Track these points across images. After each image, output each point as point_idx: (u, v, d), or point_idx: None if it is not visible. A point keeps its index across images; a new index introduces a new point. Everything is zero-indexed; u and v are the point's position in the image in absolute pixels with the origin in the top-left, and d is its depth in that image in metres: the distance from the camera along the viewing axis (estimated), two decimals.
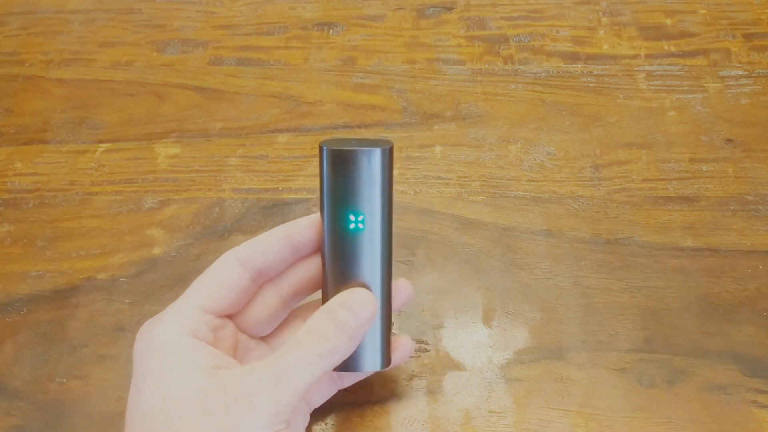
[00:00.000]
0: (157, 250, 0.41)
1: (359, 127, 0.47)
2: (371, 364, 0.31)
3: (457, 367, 0.36)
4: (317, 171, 0.45)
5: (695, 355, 0.36)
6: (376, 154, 0.28)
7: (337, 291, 0.30)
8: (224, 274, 0.30)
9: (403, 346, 0.33)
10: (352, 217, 0.29)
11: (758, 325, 0.37)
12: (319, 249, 0.31)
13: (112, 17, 0.55)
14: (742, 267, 0.39)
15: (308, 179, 0.44)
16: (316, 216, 0.31)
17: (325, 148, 0.29)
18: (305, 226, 0.31)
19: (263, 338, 0.33)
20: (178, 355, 0.28)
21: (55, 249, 0.41)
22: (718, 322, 0.37)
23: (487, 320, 0.38)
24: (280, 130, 0.47)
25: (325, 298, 0.30)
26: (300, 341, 0.28)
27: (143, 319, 0.38)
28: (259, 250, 0.30)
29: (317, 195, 0.30)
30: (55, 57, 0.52)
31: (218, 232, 0.42)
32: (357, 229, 0.29)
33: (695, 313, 0.37)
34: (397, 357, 0.32)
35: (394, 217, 0.30)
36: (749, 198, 0.42)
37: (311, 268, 0.32)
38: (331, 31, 0.53)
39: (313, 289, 0.33)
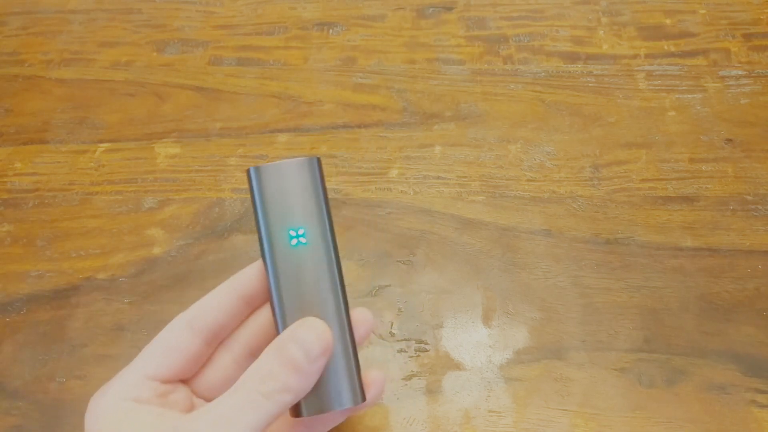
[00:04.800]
0: (156, 250, 0.41)
1: (359, 126, 0.47)
2: (343, 401, 0.27)
3: (457, 366, 0.36)
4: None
5: (695, 355, 0.36)
6: (303, 164, 0.28)
7: (287, 324, 0.27)
8: (170, 340, 0.28)
9: (374, 382, 0.29)
10: (292, 233, 0.27)
11: (758, 325, 0.37)
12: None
13: (112, 17, 0.55)
14: (742, 267, 0.39)
15: None
16: (258, 262, 0.29)
17: (251, 169, 0.28)
18: (253, 276, 0.29)
19: None
20: (119, 420, 0.26)
21: (55, 249, 0.41)
22: (718, 322, 0.37)
23: (486, 320, 0.38)
24: (280, 130, 0.47)
25: (276, 334, 0.28)
26: (244, 381, 0.25)
27: (143, 319, 0.38)
28: (208, 310, 0.28)
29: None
30: (55, 57, 0.52)
31: (218, 232, 0.42)
32: (300, 244, 0.27)
33: (695, 313, 0.38)
34: (369, 395, 0.29)
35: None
36: (749, 198, 0.42)
37: (262, 320, 0.30)
38: (330, 31, 0.53)
39: (268, 343, 0.30)
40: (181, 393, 0.29)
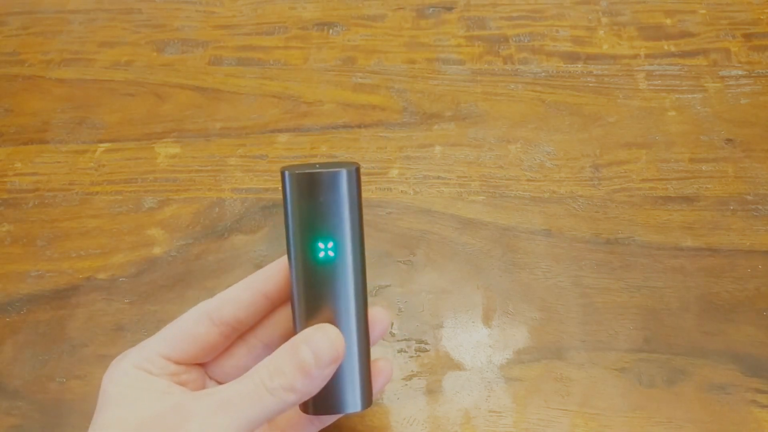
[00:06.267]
0: (157, 250, 0.41)
1: (359, 126, 0.47)
2: (350, 405, 0.29)
3: (457, 366, 0.36)
4: None
5: (695, 355, 0.36)
6: (342, 176, 0.26)
7: (304, 326, 0.28)
8: (188, 327, 0.29)
9: (381, 371, 0.31)
10: (321, 245, 0.27)
11: (758, 325, 0.37)
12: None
13: (112, 17, 0.55)
14: (742, 267, 0.39)
15: None
16: (284, 259, 0.29)
17: (287, 173, 0.27)
18: (276, 274, 0.29)
19: None
20: (128, 384, 0.27)
21: (55, 249, 0.41)
22: (718, 322, 0.37)
23: (486, 320, 0.38)
24: (280, 130, 0.47)
25: (293, 334, 0.28)
26: (253, 372, 0.26)
27: (143, 319, 0.38)
28: (229, 304, 0.29)
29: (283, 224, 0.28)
30: (55, 57, 0.52)
31: (218, 232, 0.42)
32: (327, 258, 0.27)
33: (695, 313, 0.38)
34: (377, 384, 0.30)
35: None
36: (749, 198, 0.42)
37: (281, 317, 0.30)
38: (330, 31, 0.53)
39: (285, 340, 0.31)
40: (194, 374, 0.30)
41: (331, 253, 0.27)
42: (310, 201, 0.27)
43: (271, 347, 0.30)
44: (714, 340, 0.36)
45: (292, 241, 0.27)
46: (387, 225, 0.42)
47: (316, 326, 0.27)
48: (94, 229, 0.42)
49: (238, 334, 0.30)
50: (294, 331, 0.29)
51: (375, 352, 0.37)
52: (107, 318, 0.38)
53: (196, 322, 0.29)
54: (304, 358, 0.26)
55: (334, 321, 0.28)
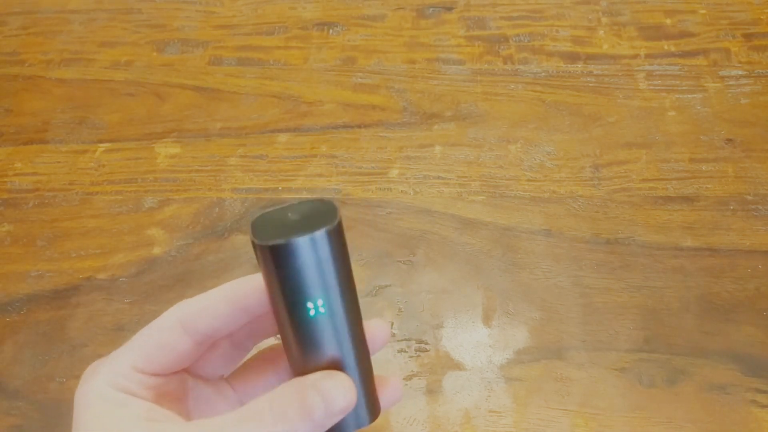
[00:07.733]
0: (156, 250, 0.41)
1: (359, 126, 0.47)
2: (356, 423, 0.28)
3: (457, 366, 0.36)
4: (318, 171, 0.45)
5: (695, 355, 0.36)
6: (321, 238, 0.24)
7: (306, 366, 0.26)
8: (162, 336, 0.27)
9: (392, 389, 0.29)
10: (310, 305, 0.25)
11: (758, 325, 0.37)
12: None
13: (112, 17, 0.55)
14: (742, 267, 0.39)
15: (308, 179, 0.44)
16: (259, 276, 0.27)
17: (259, 245, 0.25)
18: (254, 290, 0.27)
19: (227, 378, 0.30)
20: (107, 411, 0.26)
21: (55, 249, 0.41)
22: (718, 322, 0.37)
23: (487, 320, 0.38)
24: (280, 130, 0.47)
25: (295, 370, 0.27)
26: (254, 414, 0.25)
27: (143, 319, 0.38)
28: (204, 314, 0.27)
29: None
30: (55, 57, 0.52)
31: (218, 231, 0.42)
32: (318, 313, 0.26)
33: (695, 313, 0.37)
34: (386, 401, 0.29)
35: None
36: (749, 198, 0.42)
37: (265, 323, 0.29)
38: (331, 31, 0.53)
39: (270, 334, 0.29)
40: (174, 382, 0.28)
41: (322, 309, 0.26)
42: (292, 269, 0.25)
43: (252, 335, 0.29)
44: (714, 340, 0.36)
45: (277, 305, 0.26)
46: (387, 225, 0.42)
47: (326, 373, 0.26)
48: (94, 229, 0.42)
49: (212, 341, 0.29)
50: (291, 368, 0.28)
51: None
52: (107, 318, 0.38)
53: (169, 332, 0.27)
54: (312, 406, 0.25)
55: (332, 353, 0.27)
